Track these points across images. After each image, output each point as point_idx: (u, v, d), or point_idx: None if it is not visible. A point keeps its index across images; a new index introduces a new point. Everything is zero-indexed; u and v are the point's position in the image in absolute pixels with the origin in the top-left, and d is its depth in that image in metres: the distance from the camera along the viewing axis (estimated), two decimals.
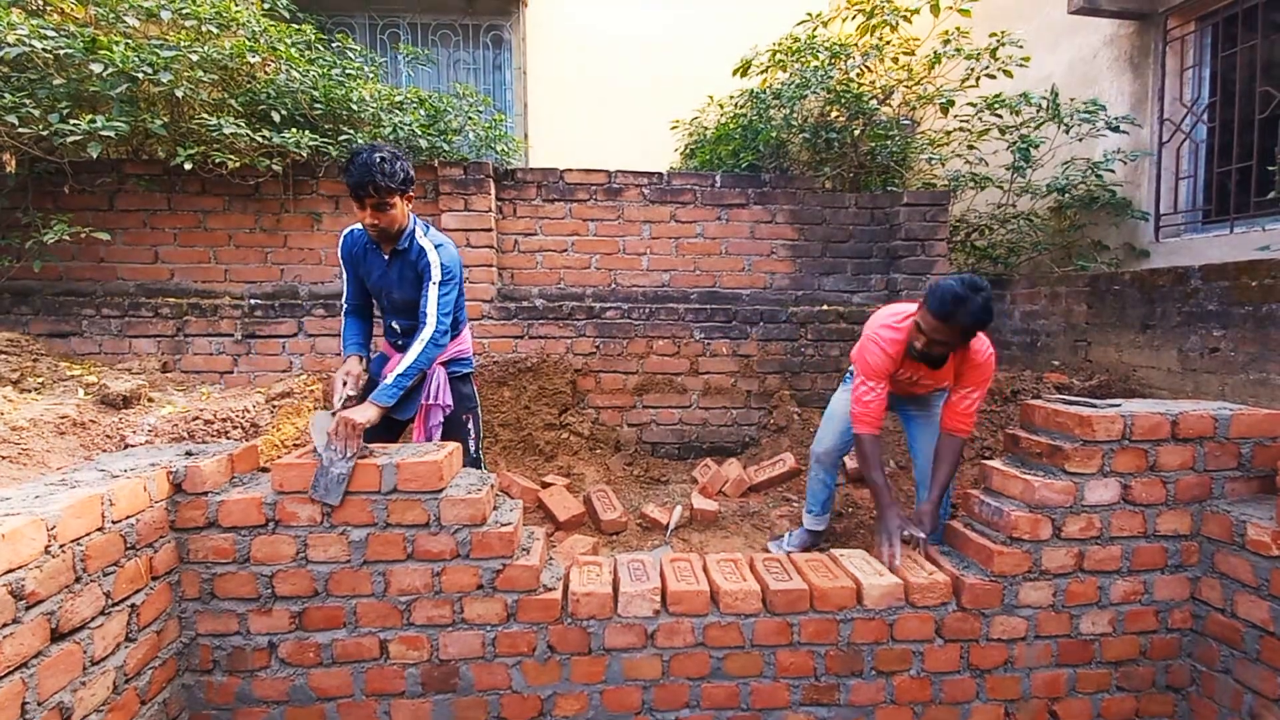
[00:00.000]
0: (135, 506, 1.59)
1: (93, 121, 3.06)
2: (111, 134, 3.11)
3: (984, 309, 2.08)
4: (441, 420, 2.44)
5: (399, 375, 2.19)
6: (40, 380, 3.25)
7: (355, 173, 2.13)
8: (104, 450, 2.84)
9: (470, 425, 2.58)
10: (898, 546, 2.09)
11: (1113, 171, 4.38)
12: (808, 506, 2.95)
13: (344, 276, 2.51)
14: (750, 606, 1.90)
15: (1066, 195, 4.52)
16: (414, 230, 2.36)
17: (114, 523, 1.52)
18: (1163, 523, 1.98)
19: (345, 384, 2.24)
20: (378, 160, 2.12)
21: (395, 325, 2.49)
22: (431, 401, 2.39)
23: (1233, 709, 1.88)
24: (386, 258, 2.39)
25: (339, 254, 2.48)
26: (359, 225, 2.40)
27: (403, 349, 2.43)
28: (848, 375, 2.69)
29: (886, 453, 3.78)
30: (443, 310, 2.31)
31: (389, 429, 2.48)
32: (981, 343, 2.30)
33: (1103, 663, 2.02)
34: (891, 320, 2.40)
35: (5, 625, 1.23)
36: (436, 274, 2.31)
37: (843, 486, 3.51)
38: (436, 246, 2.34)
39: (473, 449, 2.57)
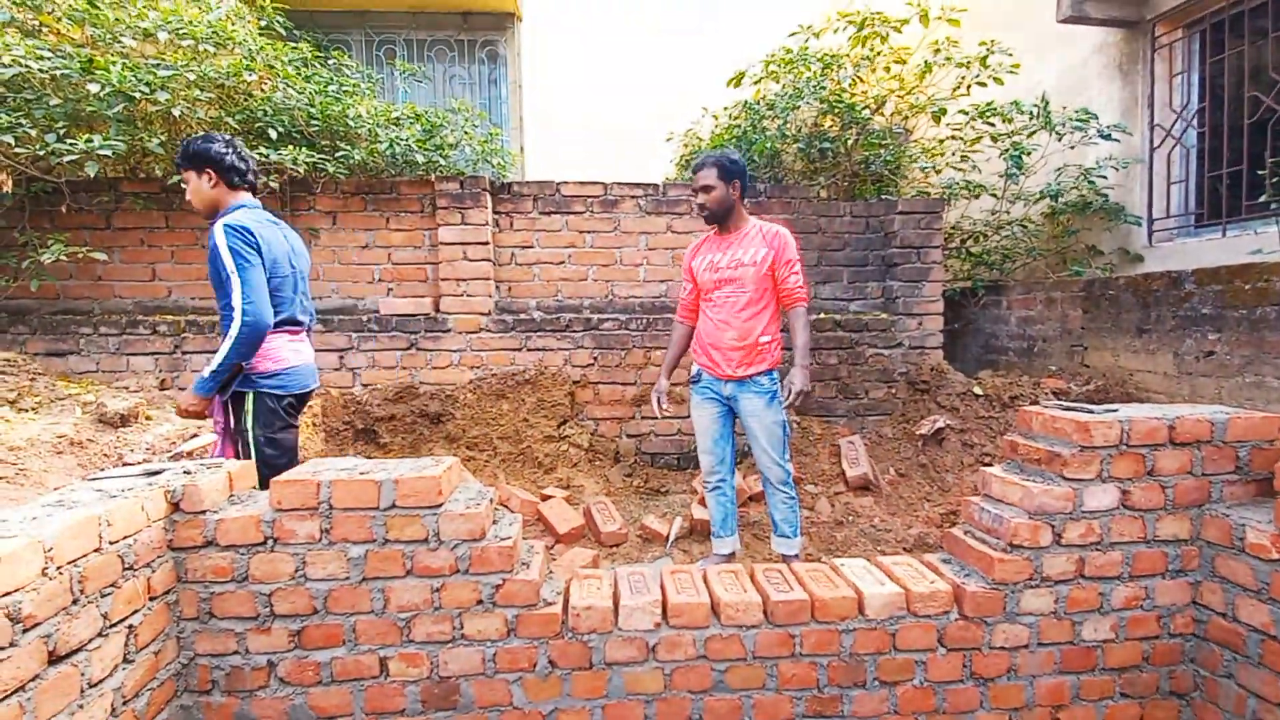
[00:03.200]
0: (133, 527, 1.58)
1: (90, 141, 3.08)
2: (109, 153, 3.13)
3: (715, 153, 2.73)
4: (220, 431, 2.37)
5: (214, 370, 2.22)
6: (37, 399, 3.25)
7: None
8: (102, 469, 2.83)
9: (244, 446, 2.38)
10: (661, 401, 2.93)
11: (1104, 178, 4.41)
12: (712, 530, 2.98)
13: None
14: (751, 618, 1.89)
15: (1059, 201, 4.55)
16: (231, 208, 2.35)
17: (111, 543, 1.51)
18: (1162, 528, 1.97)
19: None
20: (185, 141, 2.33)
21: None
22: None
23: (1236, 714, 1.87)
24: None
25: None
26: None
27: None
28: (691, 386, 2.94)
29: (885, 460, 3.78)
30: (246, 295, 2.21)
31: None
32: (770, 225, 2.82)
33: (1106, 669, 2.01)
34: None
35: (2, 649, 1.22)
36: (226, 256, 2.22)
37: (843, 494, 3.51)
38: (227, 226, 2.25)
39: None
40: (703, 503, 3.53)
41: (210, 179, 2.33)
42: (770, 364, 2.78)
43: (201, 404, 2.27)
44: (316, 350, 3.86)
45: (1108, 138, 4.24)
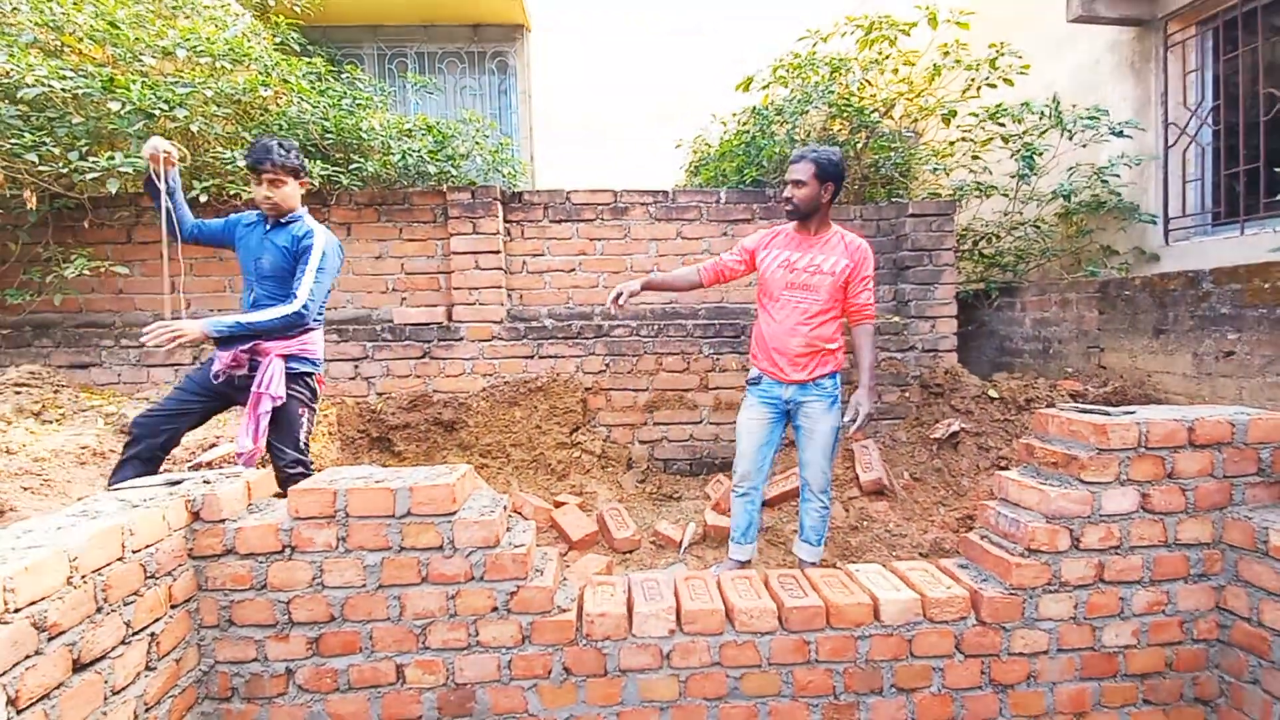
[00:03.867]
0: (155, 536, 1.61)
1: (111, 159, 3.14)
2: (130, 170, 3.19)
3: (816, 150, 2.58)
4: (270, 409, 2.50)
5: (241, 321, 2.42)
6: (61, 411, 3.31)
7: (255, 151, 2.46)
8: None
9: (305, 418, 2.65)
10: (621, 298, 2.77)
11: (1118, 176, 4.37)
12: (731, 535, 2.90)
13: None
14: (766, 625, 1.89)
15: (1073, 201, 4.51)
16: (303, 214, 2.64)
17: (134, 552, 1.54)
18: (1183, 531, 1.95)
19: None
20: (275, 144, 2.48)
21: (255, 295, 2.60)
22: (262, 390, 2.46)
23: None
24: (268, 228, 2.58)
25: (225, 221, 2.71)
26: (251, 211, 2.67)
27: None
28: (748, 387, 2.86)
29: (900, 464, 3.75)
30: (314, 294, 2.53)
31: (215, 405, 2.59)
32: (852, 236, 2.72)
33: (1128, 675, 1.99)
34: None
35: (28, 657, 1.24)
36: (316, 257, 2.54)
37: (857, 499, 3.48)
38: (331, 239, 2.63)
39: (302, 440, 2.63)
40: (716, 508, 3.52)
41: (302, 184, 2.63)
42: (834, 367, 2.73)
43: (200, 339, 2.36)
44: (332, 360, 3.93)
45: (1119, 134, 4.21)
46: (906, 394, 4.18)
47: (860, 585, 2.00)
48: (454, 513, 1.80)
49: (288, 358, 2.55)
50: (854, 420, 2.61)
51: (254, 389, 2.46)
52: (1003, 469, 2.56)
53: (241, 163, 3.40)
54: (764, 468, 2.82)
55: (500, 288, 4.07)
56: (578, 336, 4.07)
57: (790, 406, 2.75)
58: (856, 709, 1.93)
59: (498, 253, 4.06)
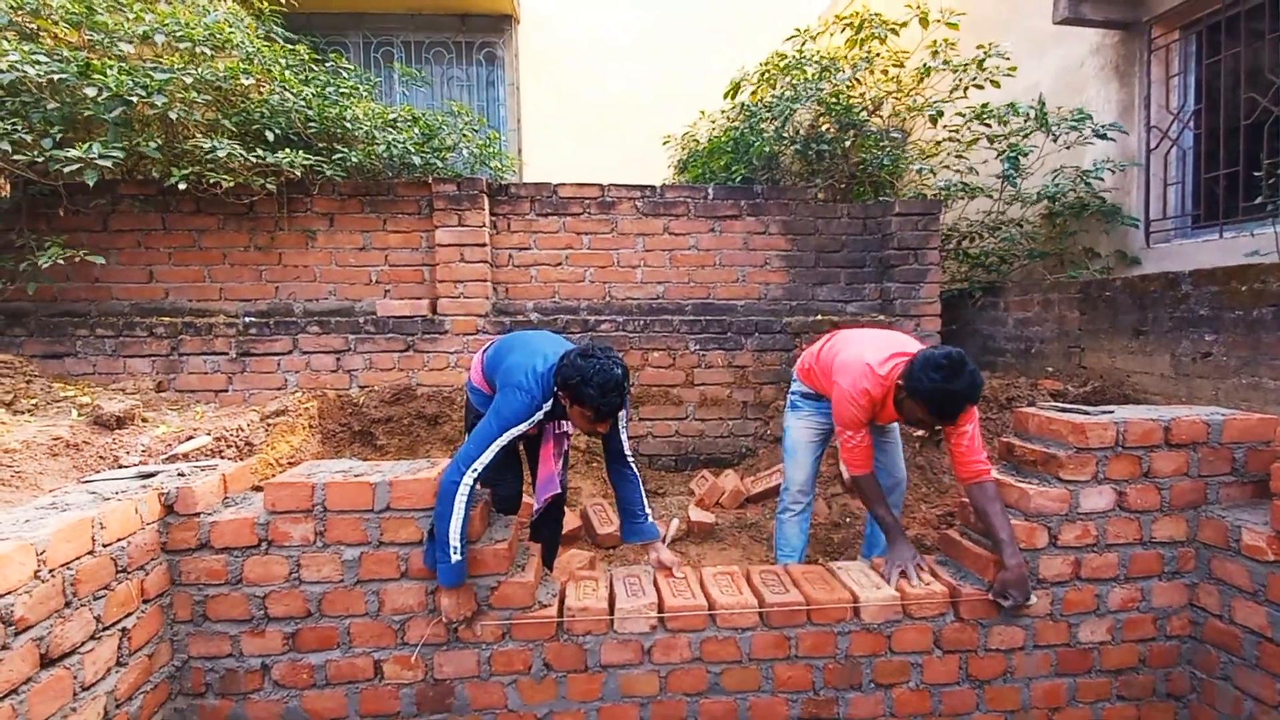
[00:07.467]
0: (126, 529, 1.58)
1: (88, 150, 3.07)
2: (108, 163, 3.12)
3: (968, 393, 1.90)
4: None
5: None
6: (34, 402, 3.24)
7: (616, 401, 1.86)
8: (97, 471, 2.83)
9: None
10: (912, 574, 2.00)
11: (1101, 179, 4.41)
12: (783, 555, 2.61)
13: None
14: (747, 621, 1.89)
15: (1057, 203, 4.55)
16: None
17: (105, 546, 1.51)
18: (1158, 529, 1.97)
19: None
20: (627, 386, 1.91)
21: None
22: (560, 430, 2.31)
23: (1233, 716, 1.87)
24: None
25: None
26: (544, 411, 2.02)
27: None
28: (792, 401, 2.63)
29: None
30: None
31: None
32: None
33: (1102, 671, 2.01)
34: (871, 370, 2.18)
35: None
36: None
37: (840, 496, 3.50)
38: None
39: None
40: (700, 504, 3.53)
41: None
42: None
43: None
44: (316, 353, 3.88)
45: (1103, 137, 4.24)
46: None
47: (841, 582, 2.01)
48: (434, 507, 1.78)
49: None
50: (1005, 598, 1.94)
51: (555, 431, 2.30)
52: None
53: (222, 151, 3.33)
54: (814, 481, 2.66)
55: (486, 281, 4.04)
56: (563, 331, 4.05)
57: None
58: (836, 704, 1.94)
59: (484, 245, 4.03)
